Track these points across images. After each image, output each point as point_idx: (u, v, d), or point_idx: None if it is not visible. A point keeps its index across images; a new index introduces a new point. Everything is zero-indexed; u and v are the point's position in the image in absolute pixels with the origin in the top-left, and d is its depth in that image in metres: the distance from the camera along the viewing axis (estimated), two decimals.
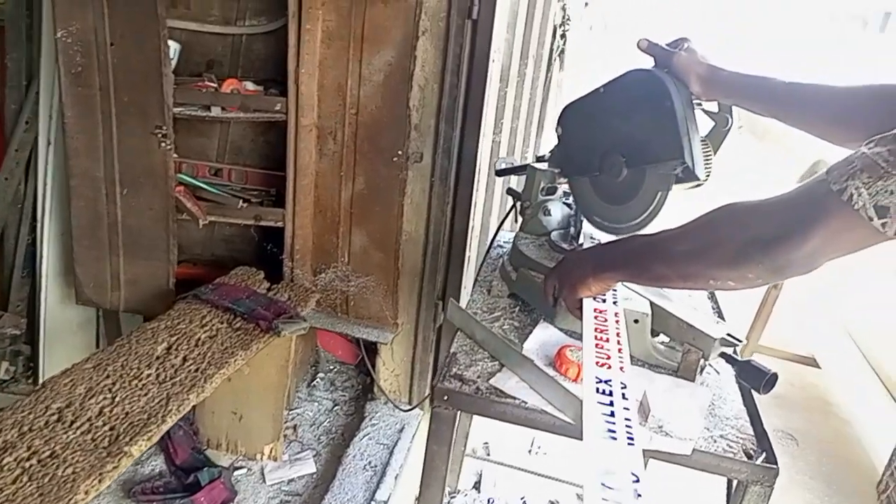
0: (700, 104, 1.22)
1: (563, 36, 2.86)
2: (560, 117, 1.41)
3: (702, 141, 1.18)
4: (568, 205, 1.63)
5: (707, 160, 1.20)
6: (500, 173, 1.74)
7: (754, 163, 7.98)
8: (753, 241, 0.81)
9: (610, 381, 0.94)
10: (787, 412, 3.27)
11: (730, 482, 1.18)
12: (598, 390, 0.92)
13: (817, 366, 3.14)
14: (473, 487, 2.28)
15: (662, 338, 1.32)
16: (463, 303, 2.13)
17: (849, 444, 2.98)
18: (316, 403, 2.46)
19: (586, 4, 3.31)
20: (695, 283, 1.00)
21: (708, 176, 1.22)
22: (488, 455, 2.52)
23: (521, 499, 2.25)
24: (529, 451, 2.56)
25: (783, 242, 0.78)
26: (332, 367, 2.64)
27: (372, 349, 2.34)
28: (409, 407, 2.29)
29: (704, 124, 1.24)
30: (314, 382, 2.55)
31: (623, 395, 0.92)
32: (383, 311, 2.15)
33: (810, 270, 0.80)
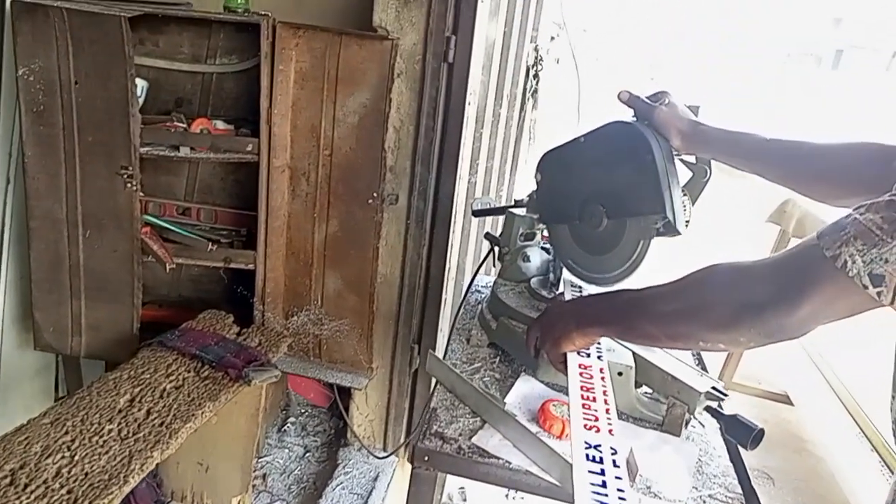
0: (678, 155, 1.22)
1: (535, 76, 2.88)
2: (539, 163, 1.39)
3: (682, 189, 1.17)
4: (547, 250, 1.61)
5: (687, 218, 1.19)
6: (476, 214, 1.72)
7: (723, 199, 8.13)
8: (746, 305, 0.79)
9: (599, 446, 0.90)
10: (763, 451, 3.23)
11: None
12: (587, 457, 0.88)
13: (790, 403, 3.15)
14: None
15: (645, 388, 1.30)
16: (440, 347, 2.09)
17: (823, 480, 2.98)
18: (286, 450, 2.37)
19: (552, 38, 3.34)
20: (684, 343, 0.97)
21: (687, 226, 1.21)
22: (465, 501, 2.45)
23: None
24: (506, 496, 2.50)
25: (776, 308, 0.76)
26: (303, 411, 2.56)
27: (345, 392, 2.27)
28: (384, 454, 2.22)
29: (682, 174, 1.23)
30: (284, 427, 2.47)
31: (614, 461, 0.88)
32: (357, 356, 2.09)
33: (803, 335, 0.79)
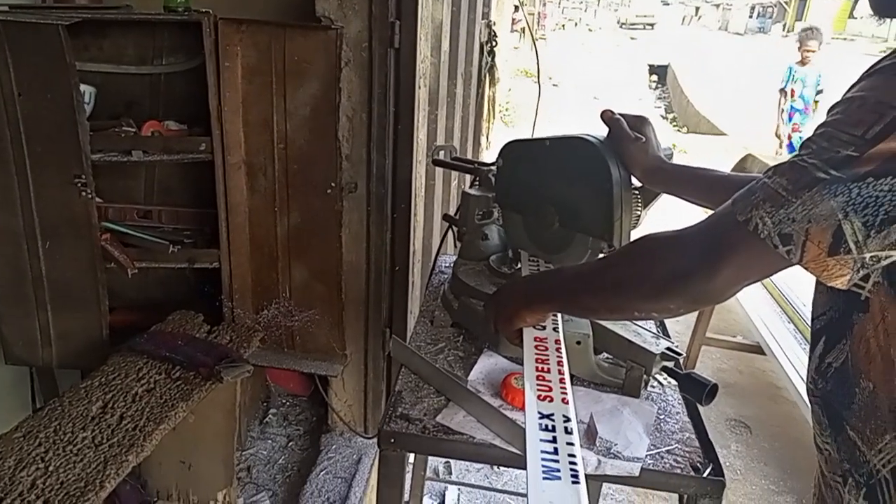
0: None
1: (490, 52, 2.87)
2: (502, 150, 1.41)
3: (634, 190, 1.19)
4: None
5: (636, 215, 1.21)
6: (436, 163, 1.73)
7: (689, 157, 8.24)
8: (671, 274, 0.82)
9: (552, 415, 0.94)
10: (739, 400, 3.36)
11: (681, 496, 1.19)
12: (540, 426, 0.91)
13: (762, 353, 3.23)
14: None
15: (605, 354, 1.34)
16: (410, 329, 2.11)
17: (798, 425, 3.07)
18: (269, 441, 2.40)
19: (516, 8, 3.33)
20: (622, 314, 1.00)
21: (636, 227, 1.23)
22: (450, 474, 2.50)
23: None
24: (492, 467, 2.55)
25: (698, 275, 0.79)
26: (284, 401, 2.59)
27: (325, 379, 2.30)
28: (368, 436, 2.26)
29: None
30: (266, 419, 2.50)
31: (566, 428, 0.91)
32: (330, 344, 2.11)
33: (728, 297, 0.82)
